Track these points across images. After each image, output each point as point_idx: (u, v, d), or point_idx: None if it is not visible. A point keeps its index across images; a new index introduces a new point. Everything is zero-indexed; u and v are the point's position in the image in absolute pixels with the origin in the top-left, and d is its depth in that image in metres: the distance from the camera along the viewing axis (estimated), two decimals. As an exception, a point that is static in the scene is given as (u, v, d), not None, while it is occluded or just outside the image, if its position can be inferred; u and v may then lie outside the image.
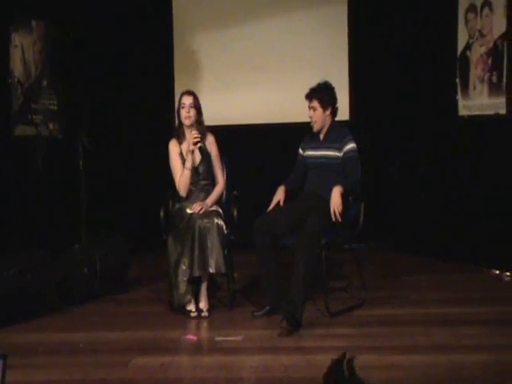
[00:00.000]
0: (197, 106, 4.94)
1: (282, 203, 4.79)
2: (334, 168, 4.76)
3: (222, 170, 5.07)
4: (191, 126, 4.93)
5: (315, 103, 4.79)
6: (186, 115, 4.90)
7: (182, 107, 4.93)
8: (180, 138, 4.97)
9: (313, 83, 4.83)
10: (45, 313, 4.80)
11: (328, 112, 4.81)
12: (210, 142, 5.03)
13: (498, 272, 5.64)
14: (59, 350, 4.14)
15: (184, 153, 4.93)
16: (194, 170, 4.94)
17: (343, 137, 4.78)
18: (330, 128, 4.84)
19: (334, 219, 4.48)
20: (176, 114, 5.03)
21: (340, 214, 4.48)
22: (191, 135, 4.86)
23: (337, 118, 4.89)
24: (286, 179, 4.94)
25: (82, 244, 5.29)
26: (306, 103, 4.84)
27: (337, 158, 4.76)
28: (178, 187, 4.93)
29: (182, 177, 4.90)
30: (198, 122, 4.96)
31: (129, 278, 5.60)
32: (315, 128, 4.82)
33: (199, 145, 4.85)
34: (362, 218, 4.75)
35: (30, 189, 5.82)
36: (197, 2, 7.22)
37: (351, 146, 4.75)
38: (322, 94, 4.78)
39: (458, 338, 4.13)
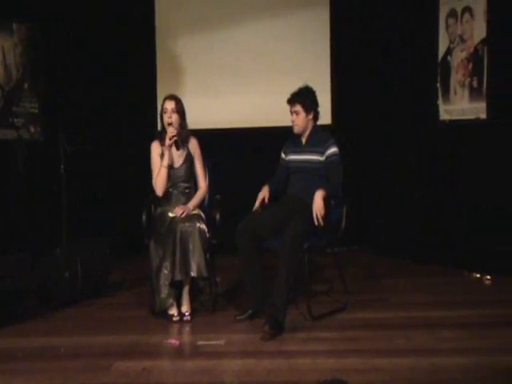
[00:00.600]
0: (179, 111, 4.92)
1: (266, 200, 4.78)
2: (317, 172, 4.77)
3: (205, 174, 5.06)
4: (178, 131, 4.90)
5: (298, 107, 4.79)
6: (168, 120, 4.88)
7: (165, 112, 4.91)
8: (162, 141, 4.94)
9: (295, 87, 4.83)
10: (25, 317, 4.75)
11: (310, 116, 4.81)
12: (193, 145, 5.01)
13: (478, 275, 5.67)
14: (40, 354, 4.10)
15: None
16: (176, 173, 4.92)
17: (325, 141, 4.78)
18: (312, 132, 4.85)
19: (316, 223, 4.48)
20: (159, 118, 5.01)
21: (322, 218, 4.48)
22: (168, 131, 4.84)
23: (319, 122, 4.90)
24: (269, 180, 4.94)
25: (63, 247, 5.24)
26: (288, 107, 4.84)
27: (319, 162, 4.76)
28: (154, 186, 4.91)
29: (158, 175, 4.88)
30: (181, 126, 4.93)
31: (110, 282, 5.56)
32: (296, 130, 4.82)
33: (175, 138, 4.82)
34: (343, 222, 4.76)
35: (11, 192, 5.78)
36: (180, 5, 7.20)
37: (333, 150, 4.76)
38: (305, 98, 4.79)
39: (438, 341, 4.14)
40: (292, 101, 4.81)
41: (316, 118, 4.86)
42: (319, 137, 4.83)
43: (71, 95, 6.72)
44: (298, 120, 4.80)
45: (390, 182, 6.78)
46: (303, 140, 4.87)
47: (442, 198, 6.18)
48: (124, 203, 6.87)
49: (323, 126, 5.02)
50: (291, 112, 4.83)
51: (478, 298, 5.12)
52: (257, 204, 4.79)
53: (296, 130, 4.83)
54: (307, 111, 4.79)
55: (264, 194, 4.81)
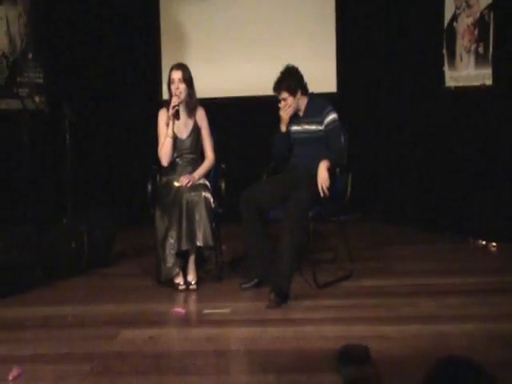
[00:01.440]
0: (187, 80, 4.85)
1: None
2: (318, 141, 4.74)
3: (212, 144, 5.01)
4: (182, 100, 4.85)
5: (284, 94, 4.74)
6: (176, 92, 4.81)
7: (172, 82, 4.84)
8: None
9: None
10: (32, 287, 4.76)
11: (298, 95, 4.76)
12: (200, 116, 4.96)
13: (484, 242, 5.65)
14: (46, 323, 4.11)
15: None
16: (182, 144, 4.88)
17: (322, 109, 4.75)
18: (307, 104, 4.81)
19: (322, 194, 4.46)
20: (167, 87, 4.94)
21: (327, 188, 4.46)
22: (172, 101, 4.79)
23: (325, 91, 4.86)
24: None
25: (69, 218, 5.24)
26: None
27: (319, 131, 4.74)
28: (159, 156, 4.87)
29: (163, 145, 4.85)
30: (189, 95, 4.88)
31: (116, 252, 5.57)
32: (289, 112, 4.74)
33: (176, 108, 4.77)
34: (349, 190, 4.74)
35: (16, 163, 5.75)
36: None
37: (332, 117, 4.72)
38: (288, 82, 4.73)
39: (444, 308, 4.13)
40: (277, 89, 4.76)
41: (305, 91, 4.80)
42: (316, 106, 4.79)
43: (75, 65, 6.67)
44: (288, 104, 4.75)
45: (394, 150, 6.73)
46: (301, 113, 4.84)
47: (448, 164, 6.14)
48: (129, 173, 6.86)
49: (328, 95, 4.97)
50: (280, 100, 4.77)
51: (483, 265, 5.11)
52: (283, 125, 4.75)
53: (289, 112, 4.75)
54: (293, 93, 4.73)
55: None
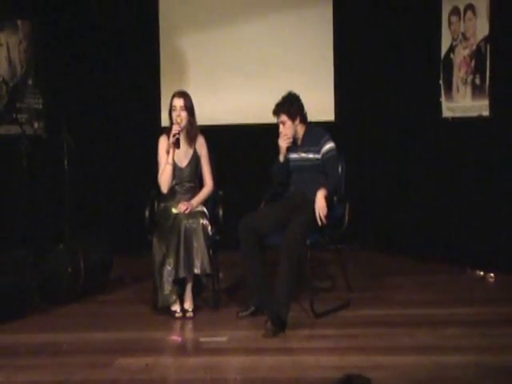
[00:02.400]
0: (188, 108, 4.87)
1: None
2: (316, 169, 4.77)
3: (211, 172, 5.01)
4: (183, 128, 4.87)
5: (283, 117, 4.77)
6: (177, 119, 4.83)
7: (173, 110, 4.86)
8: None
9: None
10: (28, 313, 4.73)
11: (297, 121, 4.79)
12: (200, 144, 4.98)
13: (482, 273, 5.64)
14: (42, 350, 4.08)
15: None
16: (181, 172, 4.89)
17: (320, 138, 4.78)
18: (304, 133, 4.84)
19: (319, 223, 4.47)
20: (168, 115, 4.95)
21: (325, 217, 4.47)
22: (172, 129, 4.81)
23: (323, 119, 4.90)
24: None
25: (66, 243, 5.22)
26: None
27: (316, 160, 4.76)
28: (159, 182, 4.88)
29: (163, 172, 4.85)
30: (190, 123, 4.90)
31: (112, 278, 5.54)
32: (287, 142, 4.77)
33: (177, 136, 4.77)
34: (346, 219, 4.74)
35: (14, 188, 5.75)
36: (184, 1, 7.15)
37: (329, 146, 4.75)
38: (288, 106, 4.76)
39: (441, 338, 4.11)
40: (277, 112, 4.79)
41: (304, 120, 4.84)
42: (313, 135, 4.82)
43: (75, 91, 6.69)
44: (286, 129, 4.77)
45: (392, 179, 6.74)
46: (298, 141, 4.86)
47: (445, 195, 6.14)
48: (127, 199, 6.85)
49: (326, 124, 4.99)
50: (278, 123, 4.80)
51: (481, 296, 5.09)
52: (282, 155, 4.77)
53: (287, 142, 4.78)
54: (293, 119, 4.76)
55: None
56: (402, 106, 6.56)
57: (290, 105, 4.77)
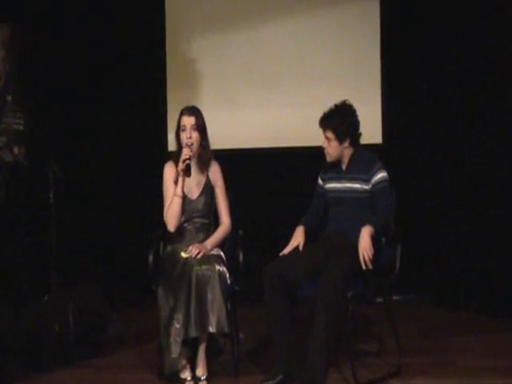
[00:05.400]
0: (201, 127, 4.89)
1: (301, 247, 4.75)
2: (362, 203, 4.75)
3: (228, 208, 5.02)
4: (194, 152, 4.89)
5: (329, 134, 4.76)
6: (188, 141, 4.87)
7: (183, 130, 4.88)
8: (178, 162, 4.90)
9: (333, 99, 4.79)
10: (8, 380, 4.73)
11: (346, 144, 4.78)
12: (214, 172, 4.99)
13: None
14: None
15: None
16: (192, 205, 4.90)
17: (371, 166, 4.77)
18: (352, 157, 4.83)
19: (364, 267, 4.45)
20: (175, 136, 4.98)
21: (370, 260, 4.46)
22: (183, 153, 4.82)
23: (368, 142, 4.87)
24: (304, 217, 4.91)
25: (52, 294, 5.25)
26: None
27: (364, 191, 4.75)
28: (165, 218, 4.88)
29: (170, 205, 4.86)
30: (202, 146, 4.92)
31: (109, 337, 5.55)
32: (328, 159, 4.82)
33: (187, 162, 4.77)
34: (397, 264, 4.72)
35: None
36: (193, 4, 7.21)
37: (381, 175, 4.74)
38: (337, 123, 4.73)
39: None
40: (322, 125, 4.79)
41: (355, 142, 4.81)
42: (363, 161, 4.81)
43: (63, 110, 6.76)
44: (330, 148, 4.78)
45: (452, 217, 6.69)
46: (343, 166, 4.86)
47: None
48: (126, 241, 6.88)
49: (372, 146, 4.99)
50: (324, 135, 4.81)
51: None
52: (288, 249, 4.76)
53: (328, 158, 4.82)
54: (341, 139, 4.75)
55: (298, 240, 4.78)
56: (463, 127, 6.53)
57: (341, 120, 4.73)
